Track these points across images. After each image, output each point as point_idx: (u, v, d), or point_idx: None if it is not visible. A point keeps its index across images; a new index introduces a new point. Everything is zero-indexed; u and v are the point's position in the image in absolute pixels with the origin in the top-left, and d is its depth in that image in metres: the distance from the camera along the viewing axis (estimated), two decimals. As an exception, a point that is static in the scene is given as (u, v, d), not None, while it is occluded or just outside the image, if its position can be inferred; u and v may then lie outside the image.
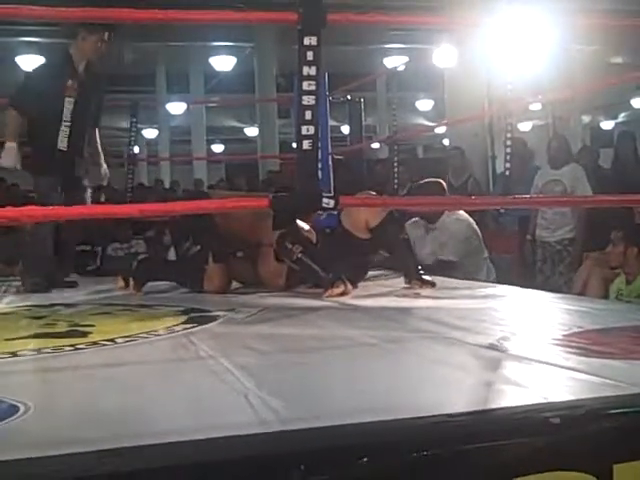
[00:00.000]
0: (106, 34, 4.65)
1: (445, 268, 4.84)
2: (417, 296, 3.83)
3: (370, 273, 4.56)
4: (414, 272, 4.10)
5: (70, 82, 4.63)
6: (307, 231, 4.07)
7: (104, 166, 5.01)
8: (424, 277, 4.09)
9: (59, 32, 12.31)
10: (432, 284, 4.05)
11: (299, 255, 3.90)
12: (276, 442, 1.50)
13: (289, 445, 1.49)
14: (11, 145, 4.60)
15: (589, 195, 5.73)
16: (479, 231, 5.31)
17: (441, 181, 5.42)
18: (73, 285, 4.79)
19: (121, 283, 4.41)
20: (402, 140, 9.16)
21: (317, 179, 2.90)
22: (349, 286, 3.84)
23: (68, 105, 4.61)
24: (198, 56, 16.97)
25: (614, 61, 15.30)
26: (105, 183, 5.30)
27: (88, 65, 4.74)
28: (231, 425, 1.58)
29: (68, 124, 4.61)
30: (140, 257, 4.45)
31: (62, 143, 4.62)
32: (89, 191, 4.91)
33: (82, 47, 4.68)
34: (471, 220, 5.29)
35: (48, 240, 4.68)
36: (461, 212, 5.26)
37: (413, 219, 5.47)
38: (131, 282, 4.30)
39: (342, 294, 3.78)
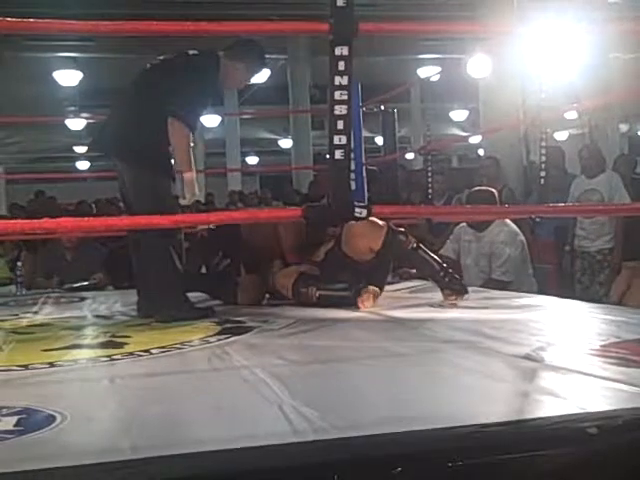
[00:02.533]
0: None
1: (497, 288, 4.78)
2: (452, 307, 3.80)
3: (406, 284, 4.54)
4: (441, 278, 3.93)
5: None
6: (310, 268, 4.05)
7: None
8: (453, 285, 3.92)
9: (95, 47, 12.51)
10: (464, 290, 3.92)
11: (317, 294, 3.88)
12: (310, 452, 1.50)
13: (323, 455, 1.49)
14: (191, 175, 3.79)
15: (628, 203, 5.66)
16: (526, 244, 5.28)
17: (492, 190, 5.39)
18: None
19: None
20: (436, 150, 9.14)
21: (349, 189, 2.89)
22: (374, 289, 3.83)
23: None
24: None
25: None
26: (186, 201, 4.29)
27: None
28: (265, 435, 1.58)
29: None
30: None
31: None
32: None
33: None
34: (519, 232, 5.25)
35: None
36: (509, 223, 5.23)
37: (462, 224, 5.44)
38: None
39: (374, 299, 3.78)
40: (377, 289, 3.86)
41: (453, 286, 3.90)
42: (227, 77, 3.92)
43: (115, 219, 3.76)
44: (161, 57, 3.95)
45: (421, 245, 3.94)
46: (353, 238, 3.92)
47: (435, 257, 3.96)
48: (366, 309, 3.72)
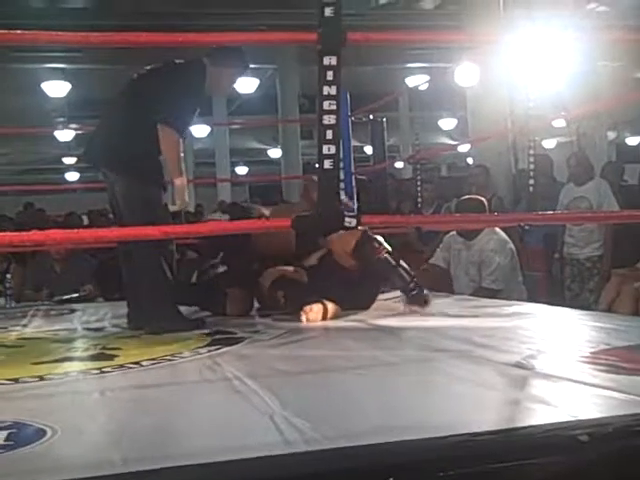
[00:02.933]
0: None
1: (487, 296, 4.79)
2: (443, 315, 3.81)
3: (396, 293, 4.55)
4: (407, 290, 3.94)
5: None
6: (295, 272, 4.08)
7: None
8: (418, 295, 3.92)
9: (83, 58, 12.49)
10: (427, 301, 3.91)
11: (385, 254, 3.90)
12: (301, 462, 1.50)
13: (314, 465, 1.49)
14: (182, 181, 3.87)
15: (616, 211, 5.68)
16: (515, 252, 5.29)
17: (482, 198, 5.42)
18: None
19: None
20: (425, 159, 9.16)
21: (339, 198, 2.89)
22: (327, 305, 3.80)
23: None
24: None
25: (639, 76, 15.21)
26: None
27: None
28: (257, 446, 1.58)
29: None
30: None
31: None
32: None
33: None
34: (509, 240, 5.27)
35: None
36: (499, 231, 5.24)
37: (452, 232, 5.45)
38: None
39: (319, 314, 3.76)
40: (329, 306, 3.82)
41: (417, 298, 3.90)
42: (212, 83, 3.94)
43: (104, 230, 3.75)
44: (148, 67, 3.96)
45: (391, 256, 3.95)
46: (331, 241, 3.97)
47: (406, 268, 3.95)
48: (312, 322, 3.70)
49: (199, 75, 3.86)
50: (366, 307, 4.06)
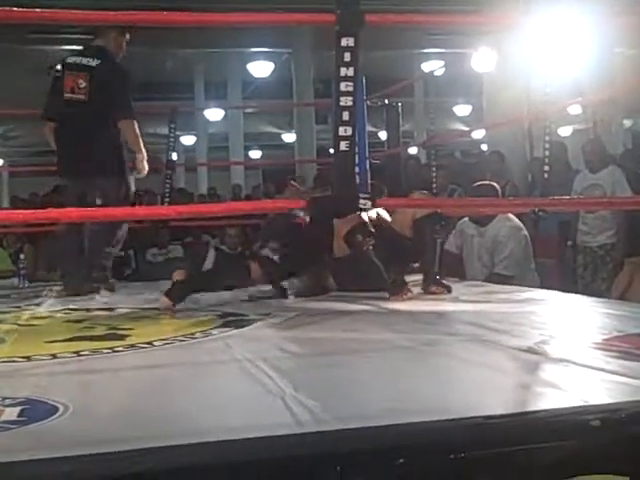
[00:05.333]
0: (128, 35, 5.00)
1: (499, 282, 4.79)
2: (455, 300, 3.81)
3: (409, 278, 4.54)
4: (432, 276, 4.08)
5: None
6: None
7: (142, 155, 4.88)
8: (441, 281, 4.08)
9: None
10: (449, 289, 4.03)
11: (369, 248, 3.92)
12: (312, 443, 1.49)
13: (325, 446, 1.48)
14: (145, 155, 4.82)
15: (630, 197, 5.65)
16: (529, 238, 5.27)
17: (495, 184, 5.40)
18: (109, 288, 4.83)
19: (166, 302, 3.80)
20: (439, 145, 9.12)
21: (354, 180, 2.89)
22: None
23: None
24: (236, 62, 17.03)
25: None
26: (142, 175, 5.02)
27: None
28: (268, 426, 1.57)
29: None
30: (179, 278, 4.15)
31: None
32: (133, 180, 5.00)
33: (115, 44, 4.94)
34: (522, 226, 5.25)
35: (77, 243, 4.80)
36: (513, 217, 5.22)
37: (464, 219, 5.44)
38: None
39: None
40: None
41: (396, 289, 3.93)
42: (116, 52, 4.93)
43: (118, 209, 3.76)
44: (70, 95, 4.77)
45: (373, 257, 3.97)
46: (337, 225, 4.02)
47: (381, 269, 3.96)
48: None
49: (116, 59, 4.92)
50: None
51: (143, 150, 4.79)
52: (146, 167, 4.88)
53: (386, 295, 3.87)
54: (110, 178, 4.72)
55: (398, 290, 3.88)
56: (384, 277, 3.93)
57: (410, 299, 3.83)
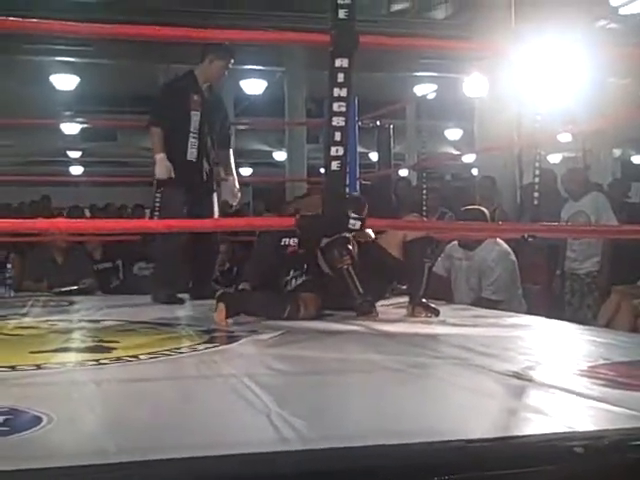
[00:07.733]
0: (232, 60, 4.94)
1: (487, 306, 4.79)
2: (442, 323, 3.81)
3: (397, 300, 4.54)
4: (419, 298, 4.04)
5: (195, 97, 4.91)
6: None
7: (236, 185, 5.26)
8: (428, 304, 4.03)
9: (93, 52, 12.51)
10: (436, 312, 3.99)
11: (346, 266, 3.90)
12: (297, 461, 1.49)
13: (309, 464, 1.48)
14: (160, 156, 4.81)
15: (614, 225, 5.69)
16: (516, 264, 5.29)
17: (483, 209, 5.43)
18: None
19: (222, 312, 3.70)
20: (430, 168, 9.16)
21: (345, 200, 2.90)
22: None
23: (195, 118, 4.89)
24: (229, 79, 17.01)
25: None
26: (235, 202, 5.36)
27: (210, 87, 5.04)
28: (252, 443, 1.57)
29: (196, 136, 4.89)
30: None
31: (191, 154, 4.91)
32: (216, 202, 5.13)
33: (208, 70, 4.94)
34: (510, 251, 5.27)
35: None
36: (501, 242, 5.24)
37: (453, 242, 5.46)
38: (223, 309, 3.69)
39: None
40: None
41: (363, 308, 3.94)
42: (208, 75, 4.95)
43: (108, 221, 3.75)
44: None
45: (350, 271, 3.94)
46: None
47: (357, 286, 3.95)
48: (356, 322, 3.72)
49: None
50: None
51: (156, 156, 4.84)
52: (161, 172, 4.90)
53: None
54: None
55: (366, 310, 3.89)
56: (353, 296, 3.93)
57: (378, 321, 3.81)
